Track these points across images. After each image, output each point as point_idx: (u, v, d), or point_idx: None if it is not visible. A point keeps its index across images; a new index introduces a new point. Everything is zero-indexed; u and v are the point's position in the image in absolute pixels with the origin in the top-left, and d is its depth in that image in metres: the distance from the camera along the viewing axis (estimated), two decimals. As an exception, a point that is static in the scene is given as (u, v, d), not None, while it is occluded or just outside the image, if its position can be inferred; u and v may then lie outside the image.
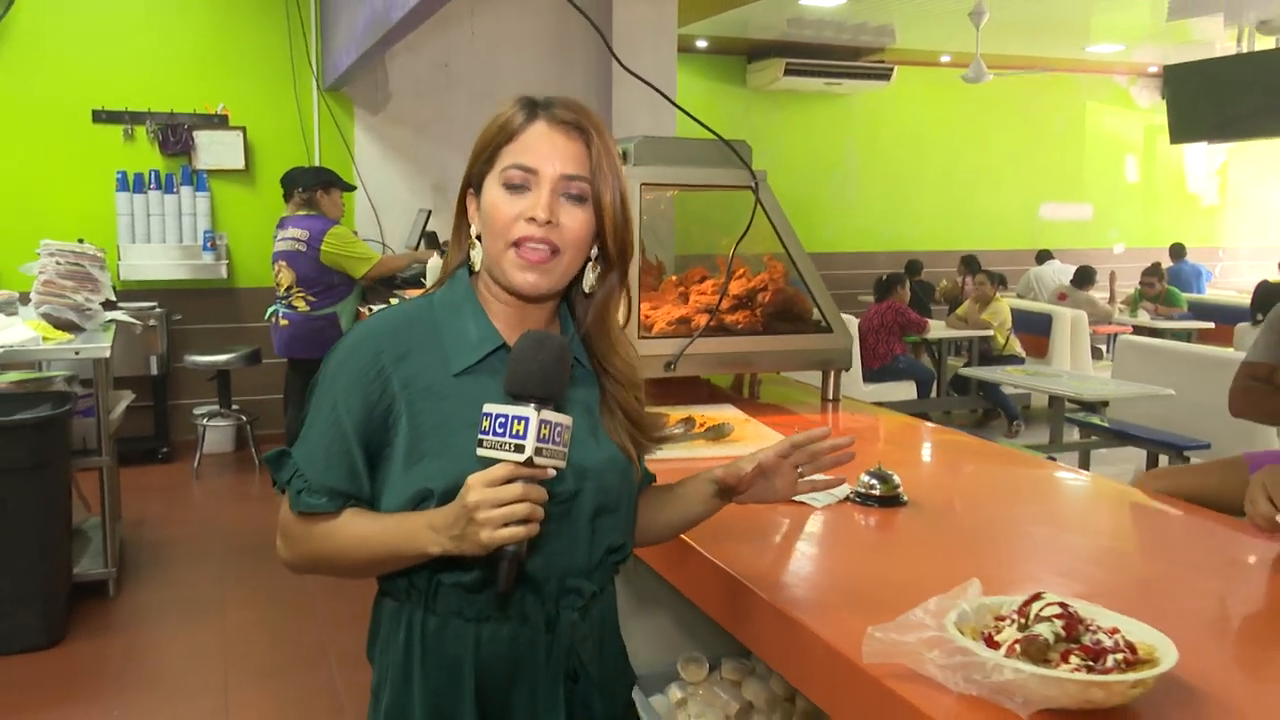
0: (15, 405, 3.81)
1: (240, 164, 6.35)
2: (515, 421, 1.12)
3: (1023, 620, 1.18)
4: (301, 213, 5.26)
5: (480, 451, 1.13)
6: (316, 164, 6.24)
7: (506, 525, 1.11)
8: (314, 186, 5.28)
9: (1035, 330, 8.47)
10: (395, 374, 1.24)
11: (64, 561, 3.89)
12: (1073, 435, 6.57)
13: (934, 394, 7.95)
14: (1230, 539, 1.73)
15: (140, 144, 6.21)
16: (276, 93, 6.40)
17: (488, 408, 1.14)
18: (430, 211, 6.28)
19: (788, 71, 10.07)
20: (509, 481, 1.11)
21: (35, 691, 3.40)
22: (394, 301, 5.03)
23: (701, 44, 10.13)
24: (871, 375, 7.51)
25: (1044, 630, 1.15)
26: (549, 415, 1.13)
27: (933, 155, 11.29)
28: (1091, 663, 1.10)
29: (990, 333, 8.06)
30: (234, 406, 6.21)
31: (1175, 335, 8.54)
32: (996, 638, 1.17)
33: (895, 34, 9.96)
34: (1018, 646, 1.13)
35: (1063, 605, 1.18)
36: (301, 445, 1.27)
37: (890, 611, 1.23)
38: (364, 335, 1.29)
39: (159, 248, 6.21)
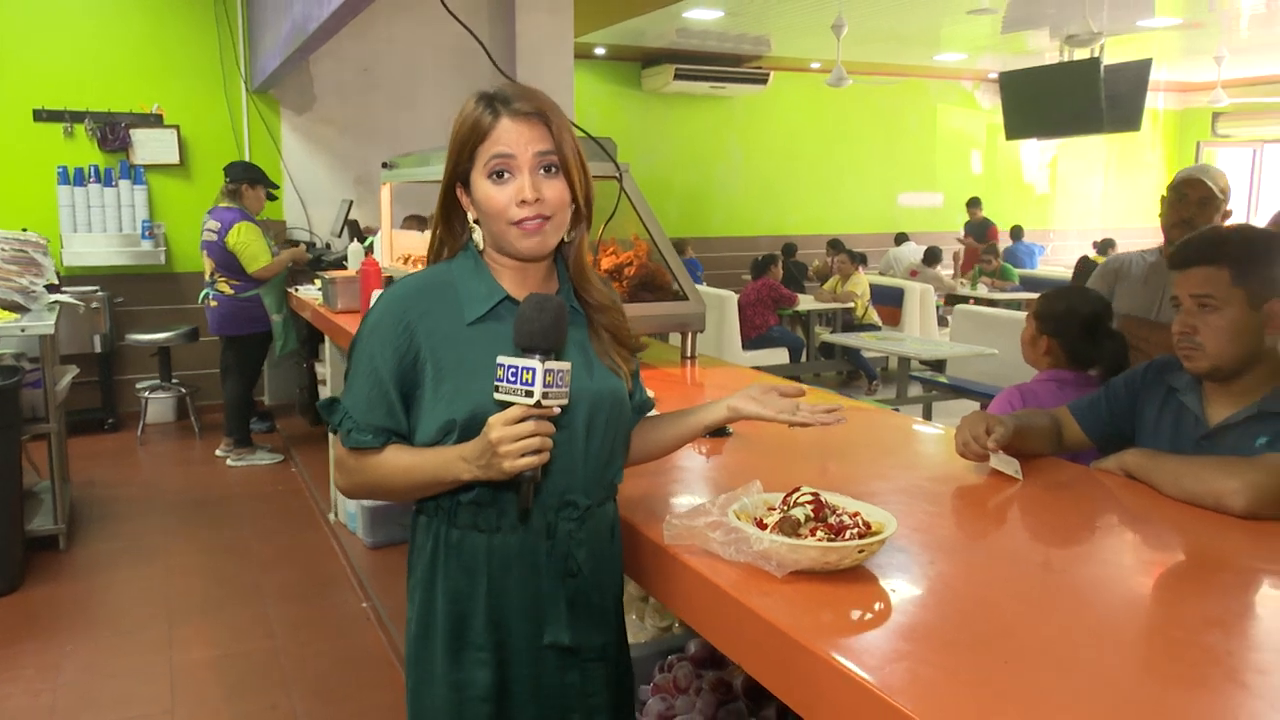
0: (-33, 379, 3.81)
1: (175, 159, 6.28)
2: (524, 371, 1.25)
3: (784, 508, 1.39)
4: (224, 204, 5.28)
5: (496, 396, 1.27)
6: (247, 159, 6.22)
7: (524, 456, 1.25)
8: (240, 180, 5.29)
9: (891, 302, 8.83)
10: (419, 327, 1.36)
11: (16, 518, 3.90)
12: (918, 391, 6.93)
13: (804, 359, 8.25)
14: (961, 461, 1.97)
15: (80, 141, 6.11)
16: (208, 93, 6.34)
17: (501, 359, 1.27)
18: (352, 202, 6.32)
19: (677, 76, 10.24)
20: (523, 420, 1.25)
21: (-6, 631, 3.45)
22: (317, 283, 5.11)
23: (600, 51, 10.23)
24: (749, 344, 7.76)
25: (798, 513, 1.36)
26: (552, 364, 1.25)
27: (805, 150, 11.60)
28: (833, 536, 1.32)
29: (852, 305, 8.39)
30: (174, 380, 6.18)
31: (1010, 305, 8.97)
32: (765, 520, 1.38)
33: (771, 43, 10.20)
34: (777, 525, 1.35)
35: (815, 495, 1.39)
36: (348, 394, 1.39)
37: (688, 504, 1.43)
38: (392, 299, 1.41)
39: (100, 236, 6.13)
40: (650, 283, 3.01)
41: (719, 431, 2.08)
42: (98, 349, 5.98)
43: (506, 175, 1.34)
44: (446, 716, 1.42)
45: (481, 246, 1.43)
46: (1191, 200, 2.76)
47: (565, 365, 1.28)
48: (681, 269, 3.05)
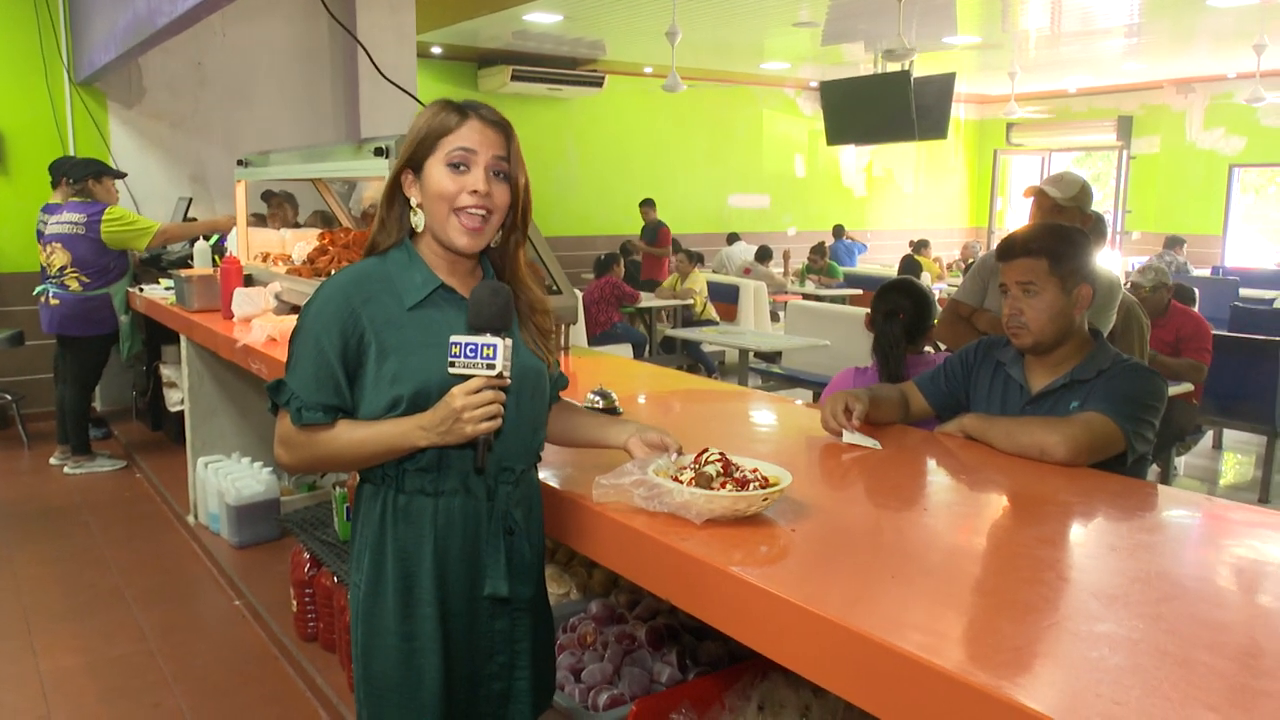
0: None
1: (-9, 154, 5.94)
2: (485, 348, 1.44)
3: (697, 465, 1.62)
4: (77, 200, 5.05)
5: (452, 371, 1.45)
6: (72, 154, 5.94)
7: (484, 421, 1.44)
8: (85, 176, 5.07)
9: (726, 299, 9.27)
10: (363, 312, 1.51)
11: None
12: (757, 382, 7.35)
13: (647, 353, 8.56)
14: (821, 431, 2.26)
15: (-119, 133, 5.68)
16: (26, 86, 6.01)
17: (455, 339, 1.45)
18: (191, 199, 6.15)
19: (514, 78, 10.37)
20: (483, 390, 1.44)
21: None
22: (164, 282, 4.98)
23: (436, 50, 10.23)
24: (595, 340, 7.98)
25: (710, 470, 1.59)
26: (508, 341, 1.46)
27: (640, 152, 11.97)
28: (740, 488, 1.55)
29: (690, 302, 8.76)
30: (-4, 387, 5.85)
31: (835, 300, 9.59)
32: (679, 477, 1.60)
33: (606, 48, 10.47)
34: (692, 480, 1.57)
35: (722, 454, 1.63)
36: (293, 374, 1.52)
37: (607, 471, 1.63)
38: (336, 286, 1.54)
39: (-94, 235, 5.73)
40: (527, 278, 3.17)
41: (610, 410, 2.30)
42: (-93, 356, 5.59)
43: (464, 168, 1.51)
44: (398, 666, 1.56)
45: (420, 228, 1.58)
46: (1045, 208, 3.11)
47: (510, 342, 1.48)
48: (555, 263, 3.23)
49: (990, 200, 15.82)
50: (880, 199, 14.81)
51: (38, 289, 5.14)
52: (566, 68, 10.88)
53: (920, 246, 11.25)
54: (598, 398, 2.31)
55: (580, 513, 1.68)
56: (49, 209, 5.10)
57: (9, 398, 5.85)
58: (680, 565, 1.44)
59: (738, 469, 1.61)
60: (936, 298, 3.11)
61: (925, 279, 10.08)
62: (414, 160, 1.55)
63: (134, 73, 6.28)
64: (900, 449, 2.05)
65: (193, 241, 5.18)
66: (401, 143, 1.60)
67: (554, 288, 3.22)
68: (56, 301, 5.03)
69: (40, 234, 5.10)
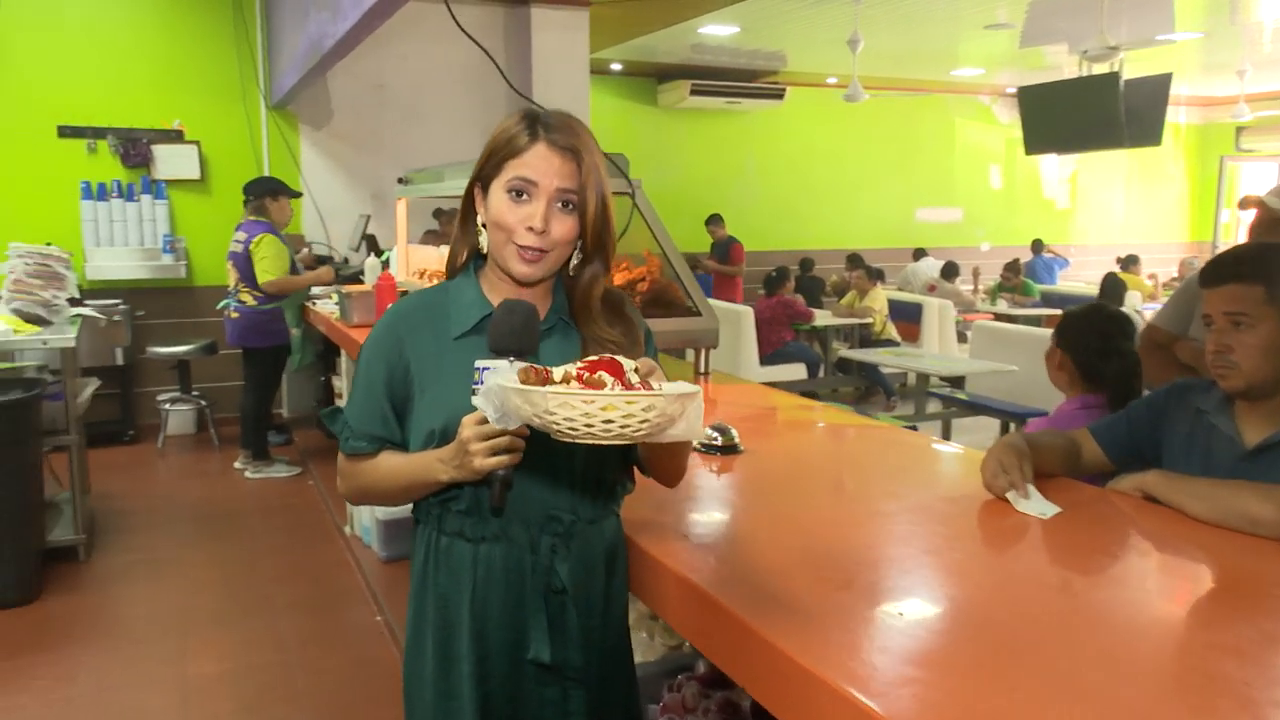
0: (-11, 391, 3.85)
1: (196, 174, 6.34)
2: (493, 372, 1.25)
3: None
4: (251, 218, 5.33)
5: (474, 399, 1.26)
6: (266, 174, 6.27)
7: (495, 455, 1.27)
8: (262, 195, 5.33)
9: (909, 318, 8.77)
10: (408, 342, 1.42)
11: (36, 528, 3.93)
12: (936, 407, 6.87)
13: (821, 374, 8.21)
14: (976, 481, 1.93)
15: (103, 156, 6.17)
16: (228, 109, 6.40)
17: (478, 363, 1.31)
18: (369, 216, 6.36)
19: (693, 92, 10.25)
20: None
21: (11, 642, 3.46)
22: (333, 297, 5.14)
23: (616, 67, 10.27)
24: (766, 359, 7.73)
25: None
26: (521, 365, 1.23)
27: (822, 165, 11.58)
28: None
29: (869, 320, 8.35)
30: (194, 392, 6.23)
31: (1029, 321, 8.91)
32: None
33: (786, 59, 10.20)
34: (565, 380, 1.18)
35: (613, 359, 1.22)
36: (349, 403, 1.46)
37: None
38: (388, 315, 1.47)
39: (122, 250, 6.19)
40: (662, 298, 3.00)
41: (729, 449, 2.08)
42: (119, 361, 6.04)
43: (524, 197, 1.36)
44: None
45: (484, 250, 1.45)
46: (1266, 223, 2.67)
47: (524, 366, 1.27)
48: (694, 284, 3.04)
49: (1215, 212, 14.37)
50: (1086, 211, 13.74)
51: (220, 303, 5.44)
52: (746, 80, 10.68)
53: (1129, 263, 10.33)
54: (716, 434, 2.09)
55: (655, 571, 1.47)
56: (237, 227, 5.39)
57: (203, 403, 6.22)
58: (757, 650, 1.21)
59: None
60: (1143, 320, 2.71)
61: (1134, 299, 9.23)
62: (483, 177, 1.41)
63: (323, 96, 6.57)
64: (1067, 511, 1.71)
65: (379, 252, 5.34)
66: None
67: (694, 309, 3.03)
68: (236, 315, 5.30)
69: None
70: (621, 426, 1.13)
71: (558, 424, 1.14)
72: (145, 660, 3.33)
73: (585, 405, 1.12)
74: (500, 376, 1.18)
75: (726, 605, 1.27)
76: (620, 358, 1.21)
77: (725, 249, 9.64)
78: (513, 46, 6.57)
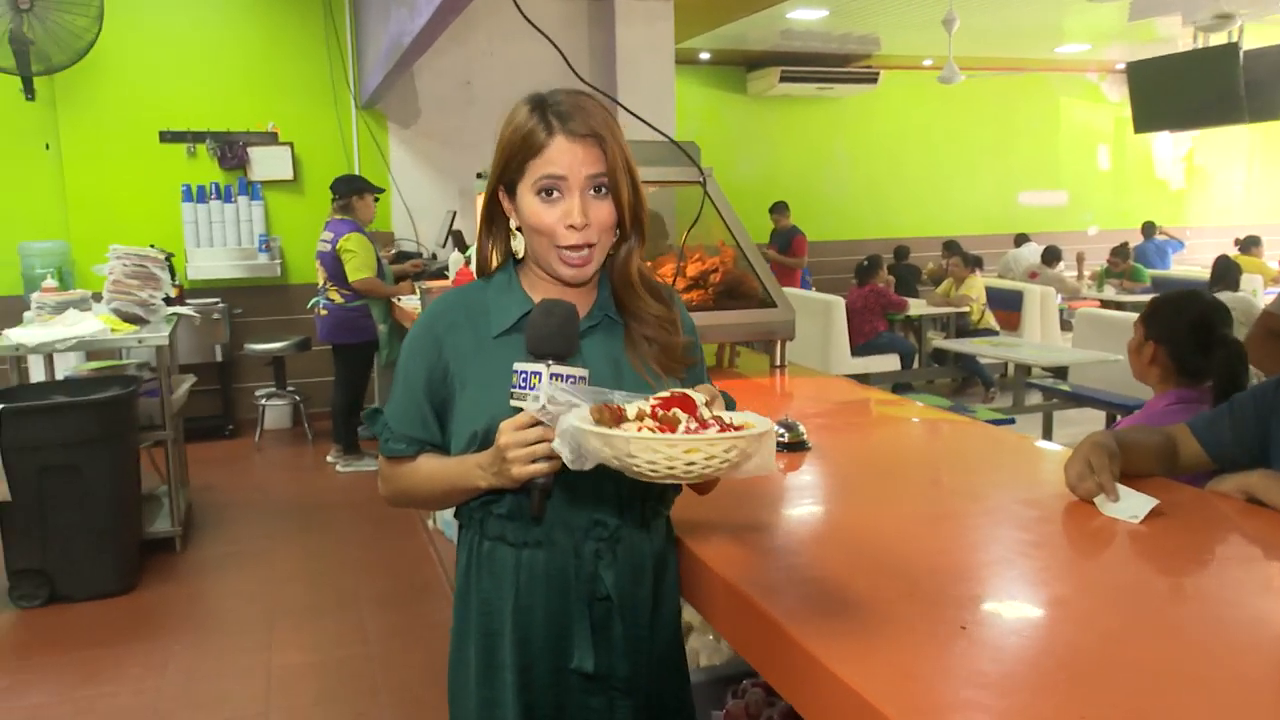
0: (92, 387, 4.01)
1: (289, 175, 6.51)
2: (532, 375, 1.23)
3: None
4: (338, 217, 5.43)
5: (511, 402, 1.24)
6: (355, 173, 6.38)
7: (533, 462, 1.21)
8: (347, 193, 5.42)
9: (1009, 306, 8.44)
10: (446, 342, 1.36)
11: (134, 521, 4.07)
12: (1037, 398, 6.59)
13: (916, 365, 7.97)
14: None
15: (201, 160, 6.39)
16: (319, 111, 6.55)
17: (516, 365, 1.25)
18: (455, 213, 6.40)
19: (783, 79, 10.05)
20: (533, 425, 1.20)
21: (108, 630, 3.58)
22: (417, 292, 5.18)
23: (704, 56, 10.14)
24: (858, 350, 7.54)
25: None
26: (560, 369, 1.23)
27: (917, 150, 11.23)
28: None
29: (966, 309, 8.06)
30: (289, 388, 6.39)
31: (1138, 308, 8.45)
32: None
33: (880, 42, 9.91)
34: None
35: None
36: (389, 404, 1.41)
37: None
38: (426, 315, 1.42)
39: (220, 250, 6.40)
40: (736, 289, 2.91)
41: (797, 445, 1.98)
42: (218, 358, 6.24)
43: (556, 194, 1.30)
44: None
45: (520, 255, 1.39)
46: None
47: (579, 371, 1.24)
48: (769, 274, 2.94)
49: (1346, 190, 13.45)
50: (1202, 192, 13.01)
51: (310, 301, 5.56)
52: (837, 65, 10.43)
53: (1249, 244, 9.71)
54: (783, 430, 2.00)
55: (705, 577, 1.39)
56: (325, 226, 5.50)
57: (298, 398, 6.38)
58: (807, 669, 1.12)
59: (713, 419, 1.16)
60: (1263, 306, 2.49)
61: (1254, 282, 8.69)
62: (505, 181, 1.35)
63: (410, 94, 6.65)
64: (1155, 511, 1.57)
65: (464, 248, 5.38)
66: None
67: (768, 300, 2.93)
68: (324, 312, 5.41)
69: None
70: (703, 468, 1.11)
71: (639, 465, 1.10)
72: (232, 651, 3.41)
73: (669, 449, 1.09)
74: (574, 417, 1.13)
75: (773, 615, 1.19)
76: (690, 391, 1.17)
77: (787, 239, 9.27)
78: (597, 40, 6.53)
